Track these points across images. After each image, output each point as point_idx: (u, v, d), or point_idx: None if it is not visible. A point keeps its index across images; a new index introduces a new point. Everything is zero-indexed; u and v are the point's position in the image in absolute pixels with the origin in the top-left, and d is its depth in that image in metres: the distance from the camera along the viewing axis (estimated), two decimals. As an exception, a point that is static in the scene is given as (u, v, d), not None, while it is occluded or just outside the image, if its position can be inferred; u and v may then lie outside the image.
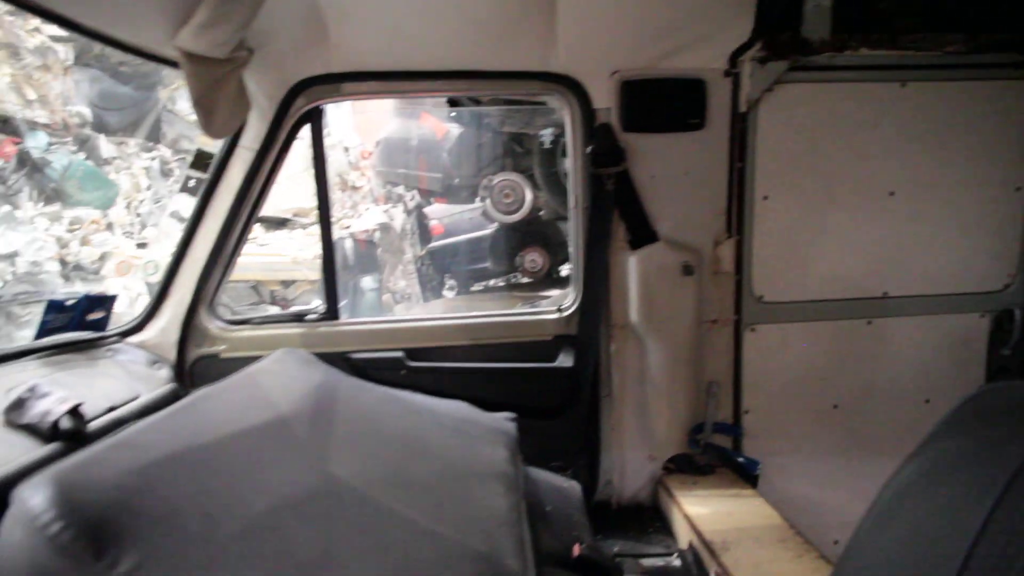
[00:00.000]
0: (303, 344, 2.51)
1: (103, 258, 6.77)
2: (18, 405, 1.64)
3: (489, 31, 2.41)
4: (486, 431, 1.93)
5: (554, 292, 6.50)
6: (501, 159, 6.72)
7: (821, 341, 2.75)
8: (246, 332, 2.57)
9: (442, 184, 7.32)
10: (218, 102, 2.01)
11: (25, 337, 5.85)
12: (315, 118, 2.47)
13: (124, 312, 2.23)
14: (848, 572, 0.83)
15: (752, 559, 2.05)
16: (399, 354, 2.58)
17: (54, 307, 2.17)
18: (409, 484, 1.51)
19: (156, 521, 1.08)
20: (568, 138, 2.61)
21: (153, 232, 7.41)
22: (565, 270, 6.93)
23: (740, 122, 2.55)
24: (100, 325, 2.30)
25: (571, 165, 2.61)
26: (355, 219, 7.46)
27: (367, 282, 6.71)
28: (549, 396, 2.65)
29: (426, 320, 2.80)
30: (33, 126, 7.19)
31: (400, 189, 7.86)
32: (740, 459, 2.69)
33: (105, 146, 7.71)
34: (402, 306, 7.06)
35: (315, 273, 7.11)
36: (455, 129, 7.08)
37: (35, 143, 7.06)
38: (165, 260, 2.68)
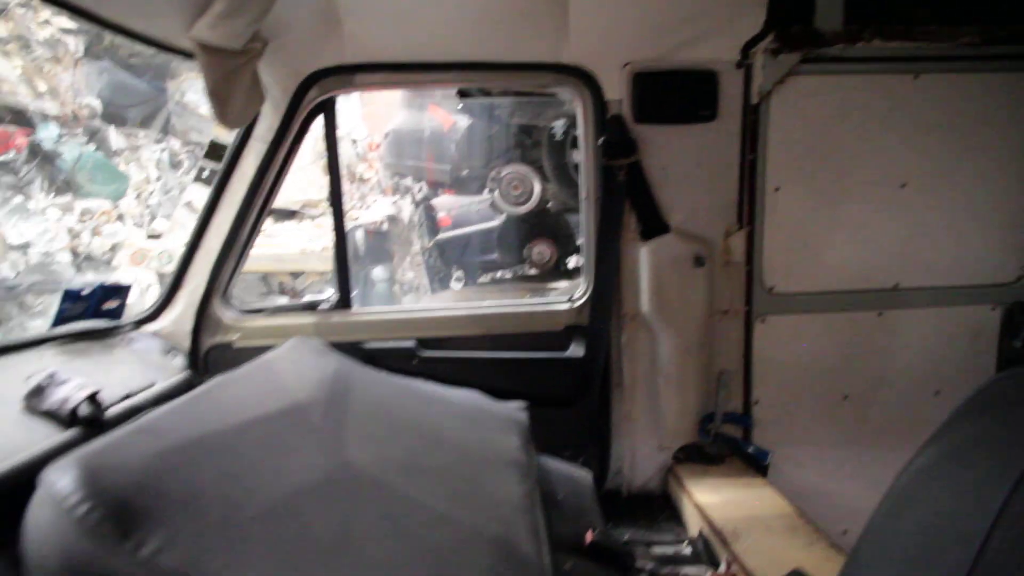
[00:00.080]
0: (316, 333, 2.53)
1: (114, 248, 6.81)
2: (38, 392, 1.66)
3: (501, 23, 2.41)
4: (499, 420, 1.94)
5: (562, 284, 6.49)
6: (510, 151, 6.70)
7: (832, 332, 2.75)
8: (259, 321, 2.59)
9: (450, 176, 7.32)
10: (232, 93, 2.02)
11: (37, 327, 5.91)
12: (328, 109, 2.48)
13: (134, 303, 2.26)
14: (866, 554, 0.84)
15: (763, 547, 2.06)
16: (411, 344, 2.60)
17: (70, 296, 2.19)
18: (424, 471, 1.53)
19: (179, 504, 1.10)
20: (580, 129, 2.61)
21: (163, 223, 7.45)
22: (572, 262, 6.93)
23: (752, 114, 2.55)
24: (115, 314, 2.33)
25: (583, 156, 2.62)
26: (363, 211, 7.47)
27: (378, 273, 6.73)
28: (560, 386, 2.66)
29: (438, 310, 2.82)
30: (44, 118, 7.23)
31: (408, 181, 7.86)
32: (750, 449, 2.71)
33: (115, 137, 7.74)
34: (409, 297, 7.07)
35: (324, 264, 7.13)
36: (463, 121, 7.07)
37: (46, 135, 7.10)
38: (179, 250, 2.70)
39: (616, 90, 2.50)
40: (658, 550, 2.35)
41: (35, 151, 7.00)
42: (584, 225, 2.67)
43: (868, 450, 2.78)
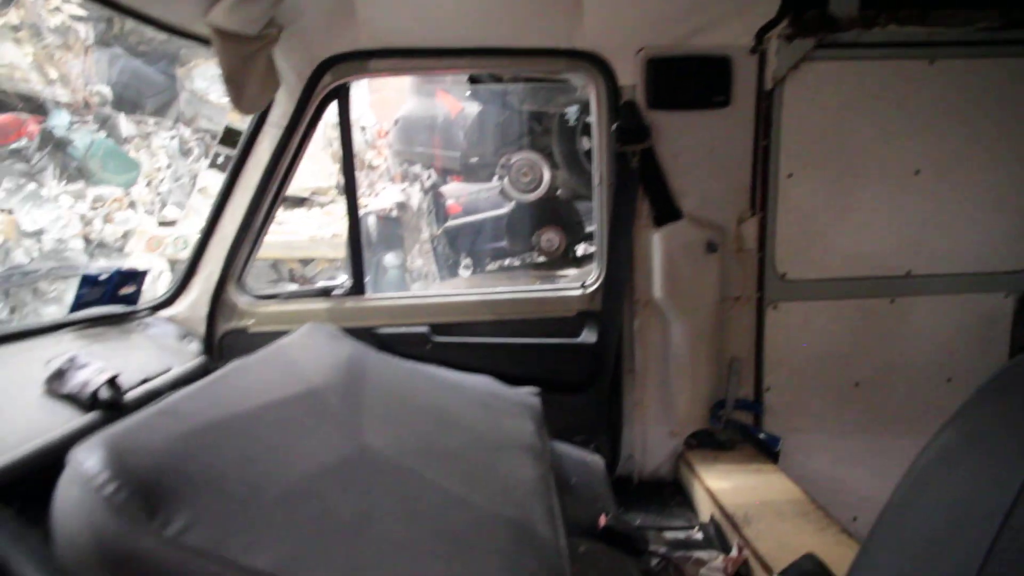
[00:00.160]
0: (329, 319, 2.55)
1: (126, 236, 6.85)
2: (59, 375, 1.69)
3: (515, 8, 2.41)
4: (512, 405, 1.96)
5: (570, 271, 6.50)
6: (519, 138, 6.70)
7: (843, 319, 2.74)
8: (274, 307, 2.61)
9: (460, 163, 7.32)
10: (248, 79, 2.03)
11: (51, 313, 5.95)
12: (342, 95, 2.48)
13: (146, 290, 2.30)
14: (885, 534, 0.84)
15: (774, 532, 2.07)
16: (424, 329, 2.61)
17: (88, 281, 2.22)
18: (440, 454, 1.55)
19: (203, 484, 1.12)
20: (593, 115, 2.61)
21: (174, 210, 7.48)
22: (581, 250, 6.93)
23: (766, 100, 2.54)
24: (132, 299, 2.35)
25: (596, 142, 2.62)
26: (372, 198, 7.48)
27: (390, 259, 6.75)
28: (572, 372, 2.67)
29: (451, 296, 2.83)
30: (55, 105, 7.25)
31: (417, 168, 7.86)
32: (761, 435, 2.72)
33: (125, 125, 7.76)
34: (418, 285, 7.09)
35: (333, 251, 7.15)
36: (473, 108, 7.06)
37: (57, 122, 7.12)
38: (194, 236, 2.71)
39: (630, 76, 2.49)
40: (669, 535, 2.36)
41: (47, 138, 7.03)
42: (597, 211, 2.67)
43: (879, 438, 2.78)
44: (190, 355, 2.33)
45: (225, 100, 8.31)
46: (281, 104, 2.39)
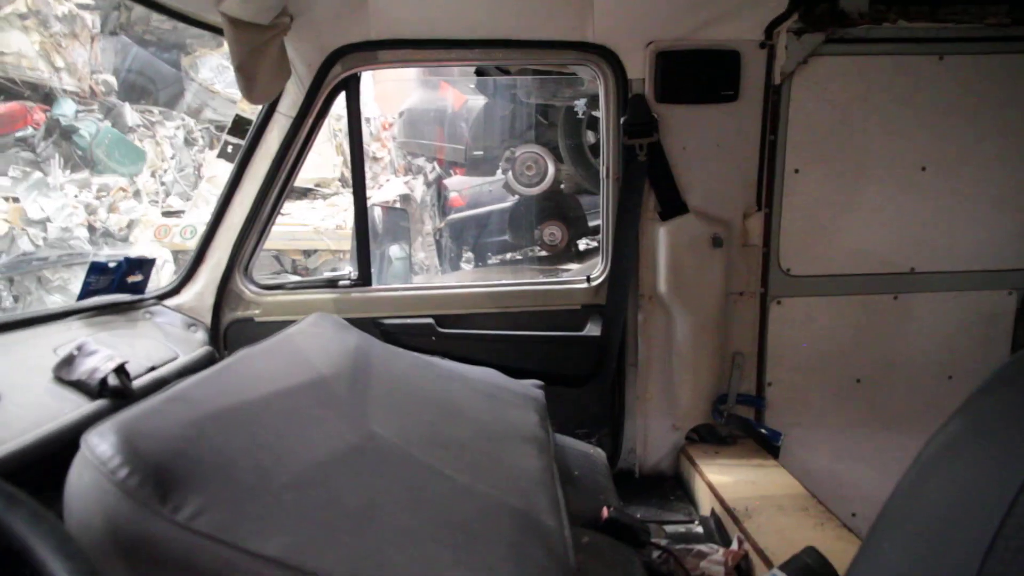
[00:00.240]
0: (335, 309, 2.56)
1: (130, 225, 6.86)
2: (67, 362, 1.70)
3: (526, 0, 2.41)
4: (516, 397, 1.97)
5: (573, 266, 6.50)
6: (524, 131, 6.69)
7: (846, 315, 2.75)
8: (280, 297, 2.62)
9: (464, 156, 7.32)
10: (259, 68, 2.03)
11: (55, 301, 5.97)
12: (351, 86, 2.49)
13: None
14: (889, 524, 0.85)
15: (775, 526, 2.08)
16: (429, 321, 2.62)
17: (97, 269, 2.23)
18: (446, 444, 1.56)
19: (214, 470, 1.13)
20: (601, 109, 2.61)
21: (177, 200, 7.49)
22: (583, 244, 6.92)
23: (774, 94, 2.54)
24: (139, 288, 2.36)
25: (604, 135, 2.62)
26: (376, 190, 7.49)
27: (395, 251, 6.75)
28: (576, 365, 2.69)
29: (456, 288, 2.83)
30: (62, 93, 7.25)
31: (421, 160, 7.86)
32: (762, 430, 2.72)
33: (130, 114, 7.77)
34: (421, 278, 7.10)
35: (336, 243, 7.16)
36: (479, 101, 7.05)
37: (63, 110, 7.13)
38: (202, 224, 2.73)
39: (639, 69, 2.49)
40: (670, 528, 2.38)
41: (52, 127, 7.03)
42: (603, 204, 2.68)
43: (880, 434, 2.79)
44: (196, 344, 2.34)
45: (230, 91, 8.35)
46: (291, 94, 2.39)
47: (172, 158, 7.80)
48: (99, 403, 1.65)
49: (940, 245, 2.72)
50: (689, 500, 2.61)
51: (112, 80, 7.73)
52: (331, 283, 2.69)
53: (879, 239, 2.70)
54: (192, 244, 6.33)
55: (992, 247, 2.74)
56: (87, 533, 1.00)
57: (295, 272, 7.18)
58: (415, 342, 2.52)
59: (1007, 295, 2.78)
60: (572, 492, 1.80)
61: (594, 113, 5.64)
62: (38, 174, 6.68)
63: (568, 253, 6.78)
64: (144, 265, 2.36)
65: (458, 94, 7.26)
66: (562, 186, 6.71)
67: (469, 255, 7.27)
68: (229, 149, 2.47)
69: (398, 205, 7.08)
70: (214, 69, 8.17)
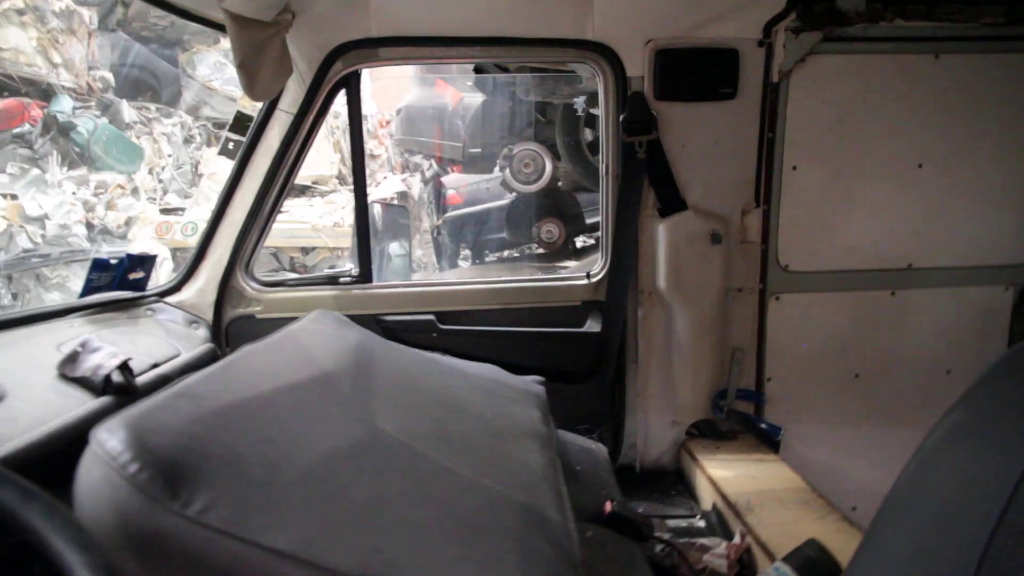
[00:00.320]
0: (336, 306, 2.56)
1: (128, 222, 6.85)
2: (71, 359, 1.70)
3: None
4: (517, 393, 1.98)
5: (570, 263, 6.51)
6: (522, 128, 6.69)
7: (845, 311, 2.77)
8: (281, 294, 2.63)
9: (462, 153, 7.31)
10: (262, 65, 2.04)
11: (53, 299, 5.96)
12: (352, 83, 2.49)
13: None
14: (892, 515, 0.87)
15: (776, 519, 2.10)
16: (430, 317, 2.63)
17: (99, 266, 2.23)
18: (449, 439, 1.56)
19: (222, 465, 1.13)
20: (601, 106, 2.62)
21: (174, 198, 7.47)
22: (580, 242, 6.93)
23: (772, 92, 2.55)
24: (140, 285, 2.36)
25: (603, 133, 2.63)
26: (373, 187, 7.49)
27: (395, 248, 6.75)
28: (576, 361, 2.70)
29: (457, 284, 2.84)
30: (59, 90, 7.23)
31: (418, 158, 7.85)
32: (762, 425, 2.74)
33: (127, 111, 7.75)
34: (418, 275, 7.10)
35: (334, 240, 7.16)
36: (477, 98, 7.05)
37: (60, 107, 7.11)
38: (203, 222, 2.73)
39: (638, 67, 2.50)
40: (672, 523, 2.39)
41: (49, 124, 7.01)
42: (603, 201, 2.69)
43: (878, 429, 2.81)
44: (198, 341, 2.34)
45: (228, 88, 8.33)
46: (292, 91, 2.39)
47: (169, 155, 7.79)
48: (104, 400, 1.65)
49: (937, 241, 2.74)
50: (690, 495, 2.62)
51: (109, 76, 7.71)
52: (332, 280, 2.69)
53: (877, 235, 2.72)
54: (193, 241, 6.31)
55: (988, 243, 2.76)
56: (98, 528, 1.00)
57: (293, 269, 7.17)
58: (416, 339, 2.52)
59: (1004, 290, 2.80)
60: (575, 487, 1.81)
61: (592, 111, 5.65)
62: (36, 171, 6.66)
63: (566, 250, 6.79)
64: (145, 262, 2.37)
65: (453, 91, 7.25)
66: (560, 184, 6.72)
67: (467, 252, 7.27)
68: (230, 146, 2.47)
69: (396, 202, 7.08)
70: (212, 66, 8.15)
